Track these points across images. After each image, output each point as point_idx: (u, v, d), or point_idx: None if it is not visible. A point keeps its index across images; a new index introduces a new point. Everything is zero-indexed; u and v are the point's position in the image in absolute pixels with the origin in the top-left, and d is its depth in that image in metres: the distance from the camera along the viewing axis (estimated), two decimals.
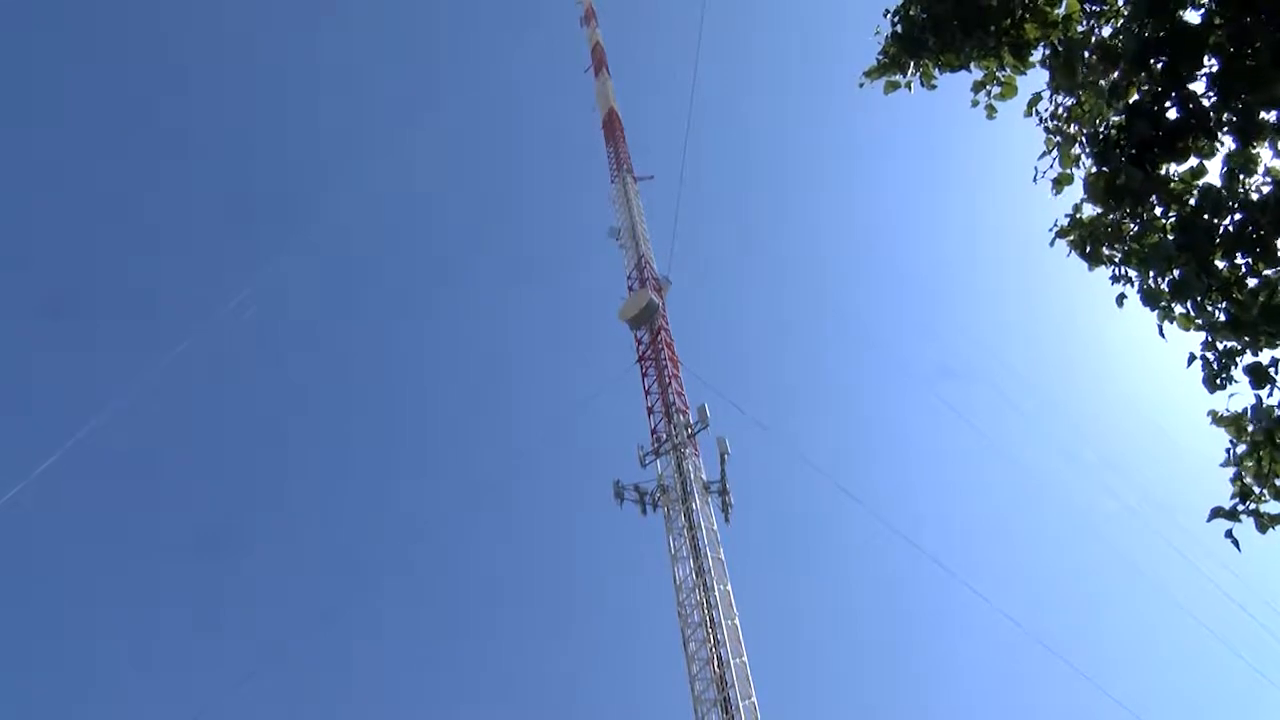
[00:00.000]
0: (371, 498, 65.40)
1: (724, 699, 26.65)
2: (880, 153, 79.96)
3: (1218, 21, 6.00)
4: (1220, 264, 6.08)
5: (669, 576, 29.54)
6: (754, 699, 26.62)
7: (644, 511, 31.22)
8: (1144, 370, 58.21)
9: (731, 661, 27.19)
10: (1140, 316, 6.44)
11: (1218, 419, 6.32)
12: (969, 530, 63.15)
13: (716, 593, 28.40)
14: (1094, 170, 6.68)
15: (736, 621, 28.25)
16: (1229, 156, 6.23)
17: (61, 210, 63.56)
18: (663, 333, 34.23)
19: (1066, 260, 7.08)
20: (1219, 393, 6.14)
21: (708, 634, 27.73)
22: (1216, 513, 5.93)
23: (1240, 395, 6.14)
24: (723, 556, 29.37)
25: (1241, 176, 6.22)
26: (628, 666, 58.33)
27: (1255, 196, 6.17)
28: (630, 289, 35.54)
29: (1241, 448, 6.03)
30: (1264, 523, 5.88)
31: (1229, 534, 5.91)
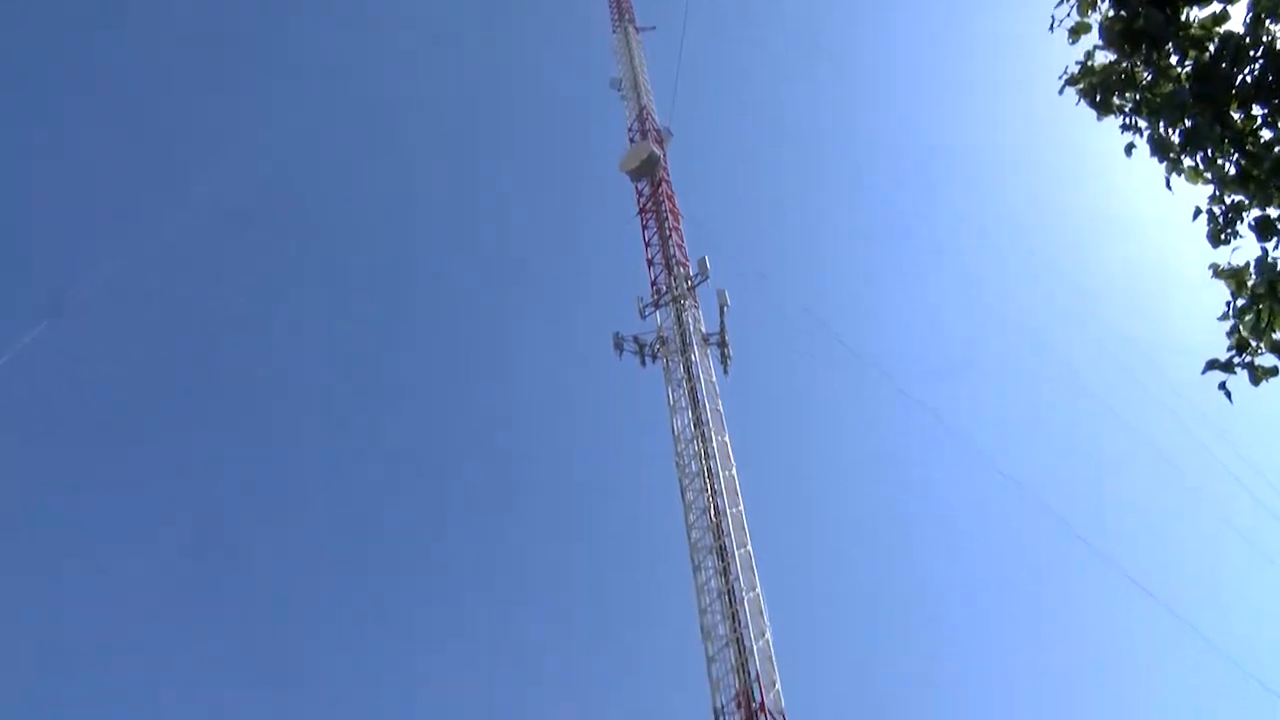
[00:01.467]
0: (359, 355, 65.70)
1: (720, 547, 27.35)
2: (885, 7, 77.43)
3: None
4: (1235, 115, 5.92)
5: (667, 427, 29.99)
6: (749, 547, 27.32)
7: (643, 363, 31.45)
8: (1147, 230, 57.81)
9: (728, 511, 27.80)
10: (1147, 170, 6.31)
11: (1219, 272, 6.25)
12: (966, 386, 63.81)
13: (714, 444, 28.82)
14: (1111, 14, 6.45)
15: (734, 472, 28.77)
16: (1256, 0, 5.97)
17: None
18: (663, 185, 33.87)
19: (1076, 113, 6.89)
20: (1222, 248, 6.07)
21: (705, 484, 28.26)
22: (1211, 365, 5.93)
23: (1243, 251, 6.07)
24: (721, 408, 29.72)
25: (1268, 23, 5.98)
26: (624, 516, 59.79)
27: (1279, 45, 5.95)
28: (631, 140, 35.03)
29: (1241, 301, 5.99)
30: (1258, 375, 5.88)
31: (1222, 385, 5.93)
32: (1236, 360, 5.90)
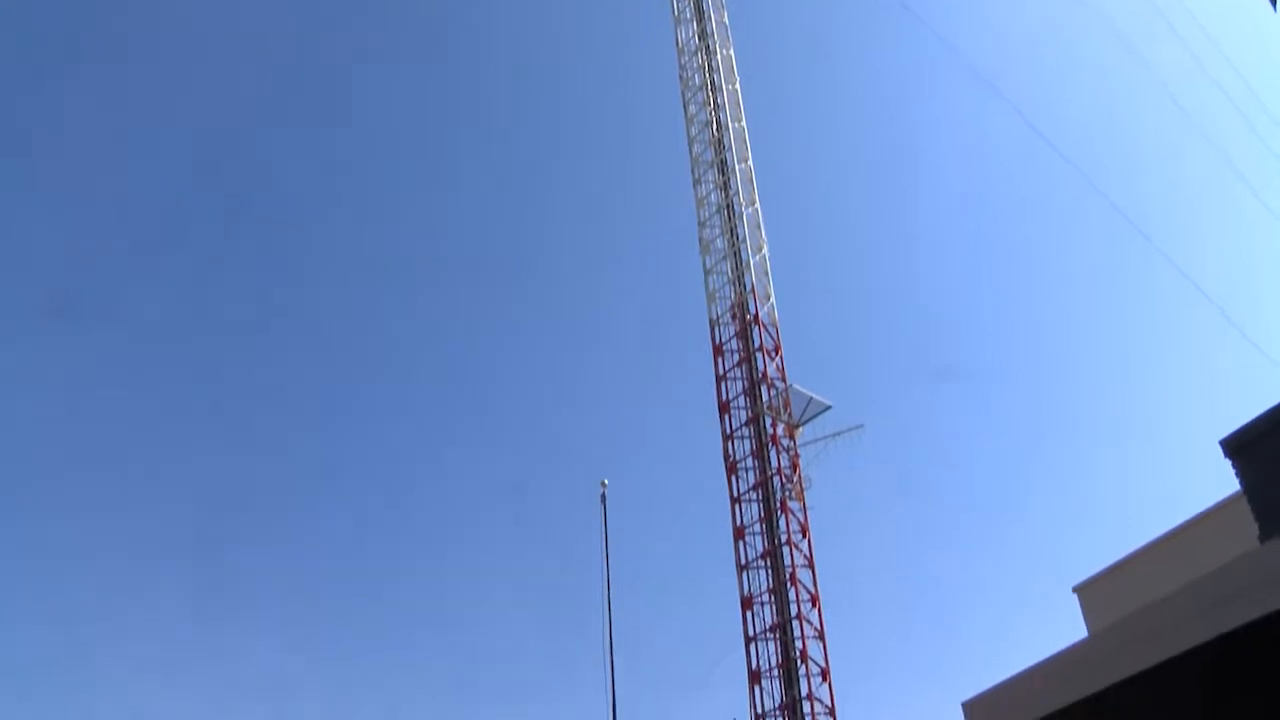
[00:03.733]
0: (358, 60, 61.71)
1: (721, 161, 27.41)
2: None
3: None
4: None
5: (671, 39, 29.05)
6: (750, 163, 27.37)
7: None
8: None
9: (730, 125, 27.59)
10: None
11: None
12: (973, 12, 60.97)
13: (719, 57, 28.08)
14: None
15: (737, 87, 28.26)
16: None
17: None
18: None
19: None
20: None
21: (708, 97, 27.83)
22: None
23: None
24: (726, 20, 28.68)
25: None
26: (625, 126, 59.23)
27: None
28: None
29: None
30: None
31: None
32: None
